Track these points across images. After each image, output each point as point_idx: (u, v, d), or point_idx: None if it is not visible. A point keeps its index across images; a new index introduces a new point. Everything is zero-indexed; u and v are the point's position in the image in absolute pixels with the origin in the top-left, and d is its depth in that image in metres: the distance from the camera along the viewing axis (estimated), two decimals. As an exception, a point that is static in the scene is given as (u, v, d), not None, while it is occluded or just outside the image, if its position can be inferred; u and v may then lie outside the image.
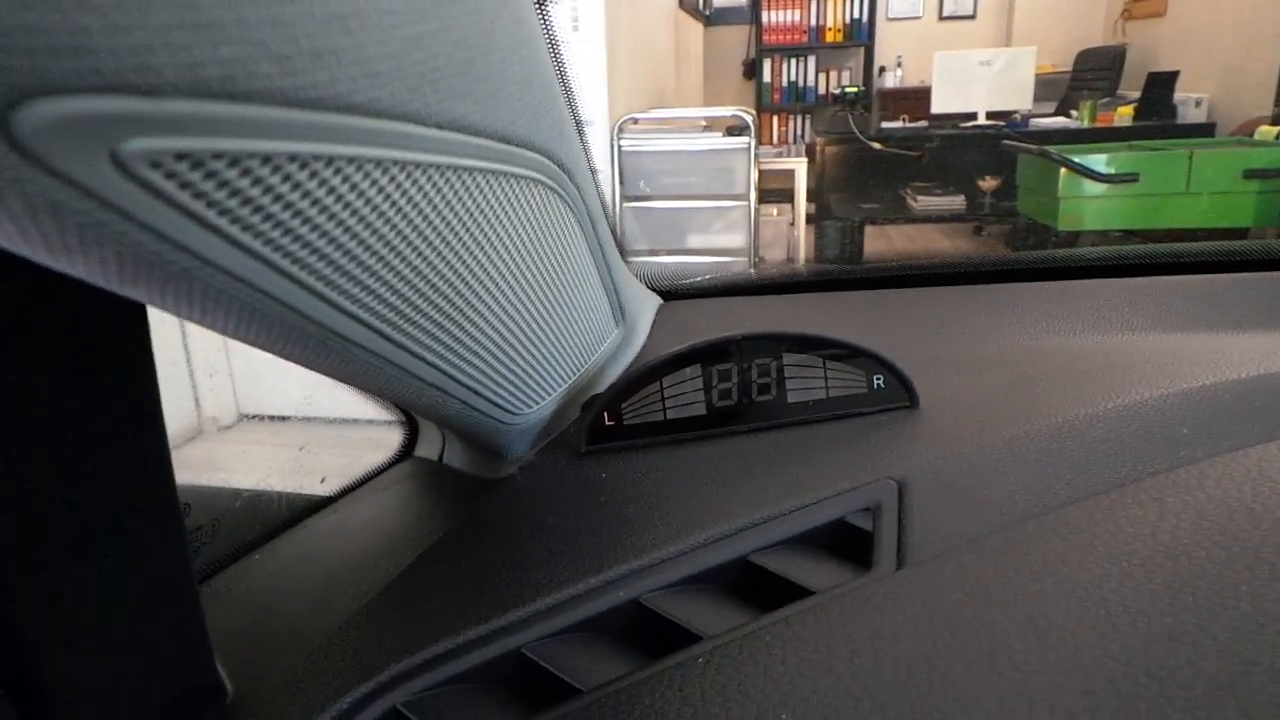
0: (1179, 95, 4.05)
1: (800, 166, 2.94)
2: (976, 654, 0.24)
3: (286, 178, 0.21)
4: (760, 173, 2.60)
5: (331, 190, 0.22)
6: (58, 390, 0.25)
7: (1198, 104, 4.11)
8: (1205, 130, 3.91)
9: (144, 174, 0.17)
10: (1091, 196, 2.58)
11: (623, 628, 0.33)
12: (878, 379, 0.48)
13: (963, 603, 0.27)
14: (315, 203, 0.22)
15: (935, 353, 0.57)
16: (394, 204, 0.25)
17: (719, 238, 2.48)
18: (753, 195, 2.44)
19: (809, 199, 3.61)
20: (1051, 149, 2.69)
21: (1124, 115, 4.05)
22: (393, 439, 0.56)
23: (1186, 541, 0.27)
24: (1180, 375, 0.45)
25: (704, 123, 2.65)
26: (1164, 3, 4.70)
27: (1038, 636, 0.24)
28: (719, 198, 2.45)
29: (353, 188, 0.23)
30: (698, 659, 0.28)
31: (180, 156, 0.18)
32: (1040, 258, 0.81)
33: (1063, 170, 2.60)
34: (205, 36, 0.17)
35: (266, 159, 0.20)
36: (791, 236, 3.07)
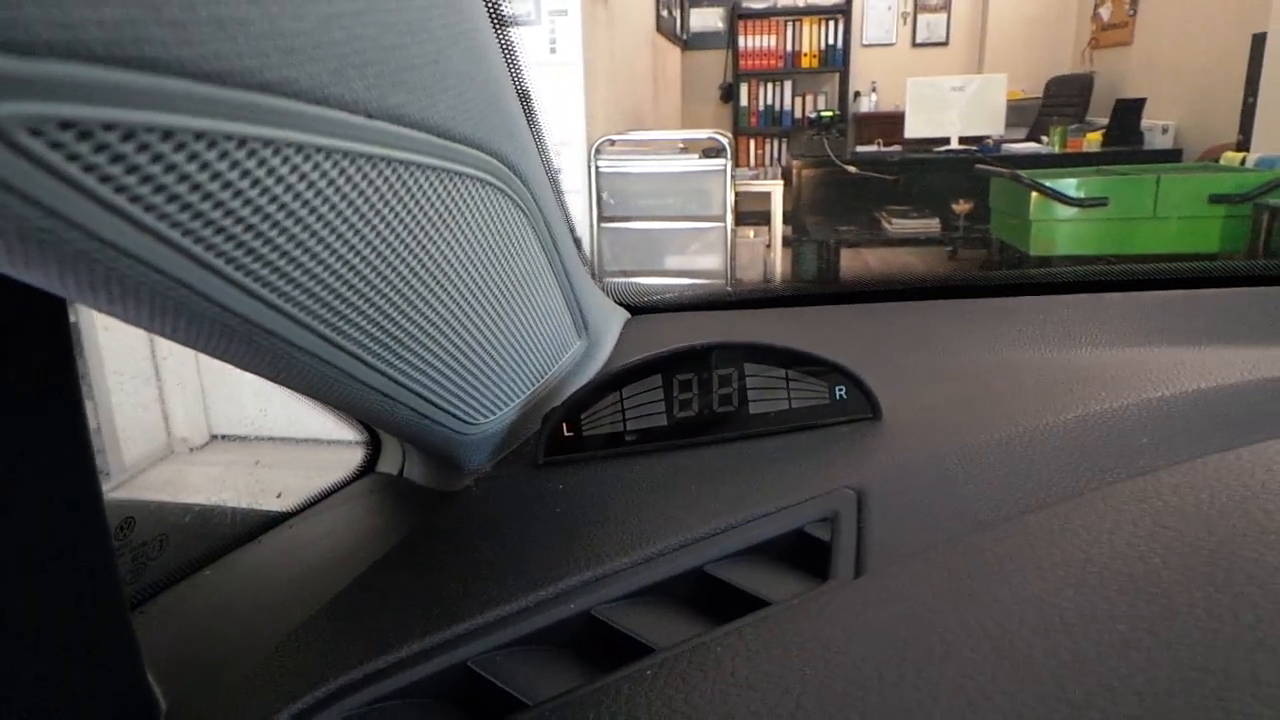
0: (1146, 122, 4.13)
1: (776, 189, 2.96)
2: (929, 663, 0.24)
3: (193, 156, 0.20)
4: (737, 195, 2.62)
5: (246, 173, 0.21)
6: None
7: (1164, 130, 4.19)
8: (1172, 156, 3.99)
9: (24, 141, 0.16)
10: (1062, 220, 2.62)
11: (573, 640, 0.32)
12: (840, 390, 0.48)
13: (917, 612, 0.27)
14: (227, 185, 0.21)
15: (900, 365, 0.57)
16: (319, 193, 0.24)
17: (695, 259, 2.49)
18: (729, 217, 2.45)
19: (786, 222, 3.64)
20: (1023, 173, 2.73)
21: (1093, 141, 4.13)
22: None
23: (1143, 549, 0.27)
24: (1140, 386, 0.45)
25: (681, 145, 2.67)
26: (1130, 32, 4.80)
27: (991, 645, 0.24)
28: (695, 219, 2.46)
29: (270, 172, 0.22)
30: (646, 671, 0.27)
31: (65, 125, 0.17)
32: (1005, 275, 0.83)
33: (1034, 194, 2.63)
34: None
35: (168, 134, 0.19)
36: (768, 258, 3.09)
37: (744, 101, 5.84)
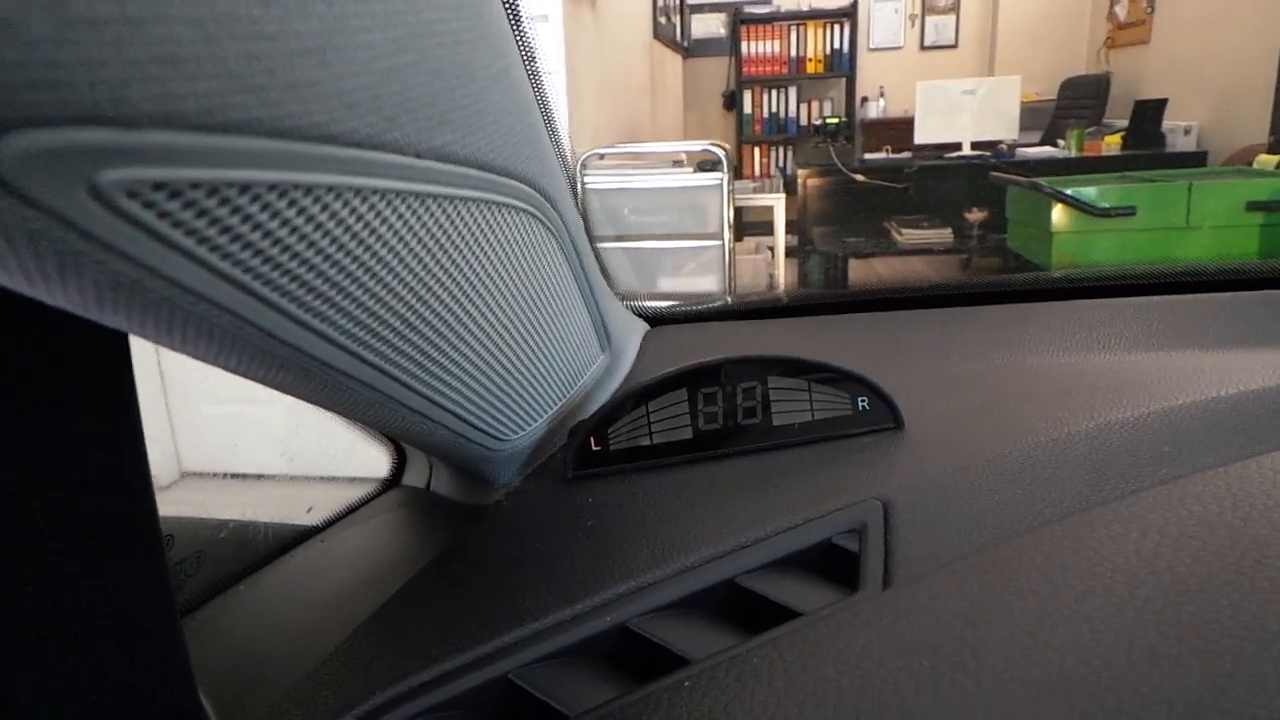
0: (1167, 123, 3.96)
1: (779, 203, 2.79)
2: (961, 673, 0.24)
3: (265, 206, 0.21)
4: (736, 209, 2.45)
5: (311, 219, 0.22)
6: (35, 419, 0.24)
7: (1187, 132, 4.02)
8: (1196, 159, 3.82)
9: (121, 204, 0.18)
10: (1087, 232, 2.43)
11: (610, 653, 0.33)
12: (862, 401, 0.48)
13: (948, 623, 0.27)
14: (295, 230, 0.22)
15: (920, 374, 0.57)
16: (375, 232, 0.25)
17: (691, 280, 2.32)
18: (727, 234, 2.28)
19: (792, 232, 3.47)
20: (1042, 181, 2.55)
21: (1111, 144, 3.97)
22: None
23: (1169, 558, 0.27)
24: (1162, 394, 0.45)
25: (681, 157, 2.50)
26: (1148, 30, 4.63)
27: (1023, 655, 0.24)
28: (691, 237, 2.29)
29: (333, 216, 0.23)
30: (684, 682, 0.28)
31: (158, 186, 0.18)
32: (1023, 280, 0.81)
33: (1055, 204, 2.45)
34: (181, 71, 0.17)
35: (245, 188, 0.20)
36: (772, 276, 2.92)
37: (748, 109, 5.69)
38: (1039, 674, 0.23)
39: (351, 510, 0.53)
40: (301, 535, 0.50)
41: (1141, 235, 2.40)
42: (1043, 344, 0.61)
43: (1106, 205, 2.38)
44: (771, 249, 2.87)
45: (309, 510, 0.52)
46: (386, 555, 0.46)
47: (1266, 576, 0.25)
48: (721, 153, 2.28)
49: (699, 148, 2.36)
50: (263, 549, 0.48)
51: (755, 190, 3.05)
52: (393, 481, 0.55)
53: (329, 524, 0.51)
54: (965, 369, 0.58)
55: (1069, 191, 2.46)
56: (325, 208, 0.23)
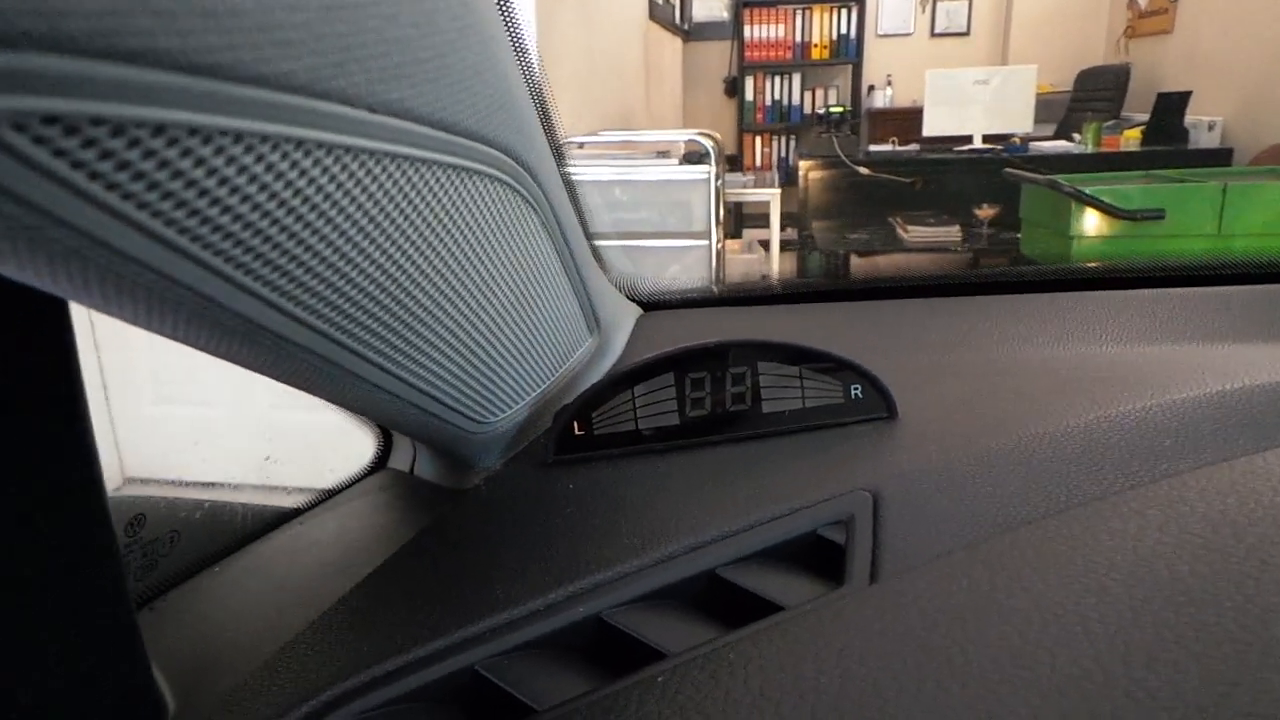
0: (1190, 118, 3.76)
1: (774, 198, 2.58)
2: (948, 673, 0.23)
3: (187, 152, 0.19)
4: (728, 205, 2.25)
5: (243, 170, 0.21)
6: None
7: (1211, 127, 3.82)
8: (1221, 156, 3.62)
9: (7, 138, 0.16)
10: (1110, 237, 2.22)
11: (583, 645, 0.32)
12: (855, 389, 0.47)
13: (936, 619, 0.26)
14: (224, 182, 0.20)
15: (915, 364, 0.56)
16: (321, 190, 0.24)
17: (674, 285, 2.12)
18: (714, 233, 2.07)
19: (793, 227, 3.27)
20: (1061, 179, 2.34)
21: (1131, 139, 3.78)
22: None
23: (1168, 556, 0.27)
24: (1163, 387, 0.44)
25: (668, 148, 2.29)
26: (1171, 19, 4.41)
27: (1011, 655, 0.24)
28: (674, 236, 2.08)
29: (269, 168, 0.21)
30: (657, 678, 0.27)
31: (50, 120, 0.16)
32: (1022, 271, 0.79)
33: (1075, 205, 2.24)
34: None
35: (159, 129, 0.18)
36: (765, 278, 2.71)
37: (750, 96, 5.47)
38: (1029, 675, 0.23)
39: (333, 493, 0.51)
40: (280, 518, 0.49)
41: (1169, 242, 2.18)
42: (1042, 336, 0.60)
43: (1132, 207, 2.18)
44: (764, 244, 2.66)
45: (289, 492, 0.52)
46: (363, 539, 0.45)
47: (1272, 578, 0.24)
48: (710, 144, 2.07)
49: (685, 137, 2.15)
50: (240, 531, 0.47)
51: (750, 184, 2.84)
52: (378, 464, 0.54)
53: (309, 507, 0.50)
54: (962, 359, 0.57)
55: (1089, 191, 2.25)
56: (260, 159, 0.21)
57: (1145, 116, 3.87)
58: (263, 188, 0.22)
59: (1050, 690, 0.22)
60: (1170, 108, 3.73)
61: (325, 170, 0.23)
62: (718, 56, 5.54)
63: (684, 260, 2.09)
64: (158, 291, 0.22)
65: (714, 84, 5.59)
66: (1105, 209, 2.14)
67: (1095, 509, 0.31)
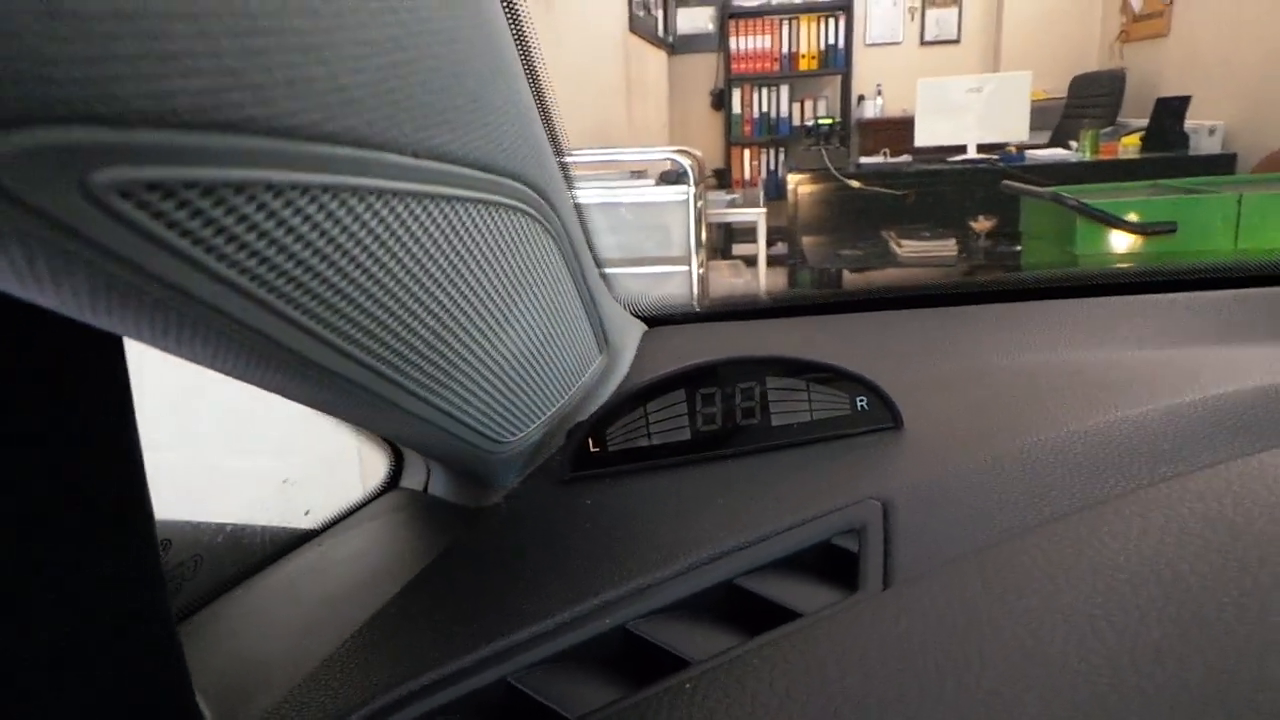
0: (1190, 123, 3.63)
1: (760, 217, 2.44)
2: (965, 672, 0.24)
3: (261, 206, 0.21)
4: (710, 227, 2.10)
5: (308, 219, 0.22)
6: (29, 423, 0.24)
7: (1211, 132, 3.70)
8: (1224, 162, 3.49)
9: (115, 205, 0.17)
10: (1119, 254, 2.08)
11: (610, 655, 0.32)
12: (861, 401, 0.48)
13: (949, 622, 0.27)
14: (291, 231, 0.22)
15: (919, 374, 0.57)
16: (372, 233, 0.25)
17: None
18: (695, 258, 1.93)
19: (782, 241, 3.14)
20: (1064, 192, 2.20)
21: (1129, 145, 3.66)
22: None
23: (1170, 556, 0.27)
24: (1161, 391, 0.45)
25: (642, 167, 2.15)
26: (1166, 22, 4.30)
27: (1025, 654, 0.24)
28: (650, 262, 1.94)
29: (329, 216, 0.23)
30: (684, 684, 0.28)
31: (151, 187, 0.18)
32: (1021, 279, 0.81)
33: (1080, 219, 2.10)
34: (175, 67, 0.17)
35: (240, 188, 0.20)
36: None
37: (736, 109, 5.35)
38: (1043, 673, 0.23)
39: (349, 513, 0.52)
40: (299, 539, 0.49)
41: (1184, 258, 2.04)
42: (1042, 342, 0.61)
43: (1142, 221, 2.03)
44: (748, 261, 2.51)
45: (306, 513, 0.51)
46: (384, 558, 0.45)
47: (1270, 573, 0.25)
48: (688, 162, 1.93)
49: (661, 155, 2.01)
50: (260, 552, 0.47)
51: (734, 204, 2.70)
52: (390, 484, 0.55)
53: (326, 527, 0.51)
54: (964, 368, 0.58)
55: (1094, 204, 2.11)
56: (322, 208, 0.22)
57: (1142, 122, 3.75)
58: (323, 234, 0.23)
59: (1064, 687, 0.22)
60: (1169, 113, 3.61)
61: (376, 215, 0.25)
62: (704, 69, 5.43)
63: (663, 288, 1.94)
64: (225, 333, 0.23)
65: (701, 97, 5.47)
66: (1113, 223, 1.99)
67: (1099, 512, 0.32)
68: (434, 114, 0.26)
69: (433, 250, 0.29)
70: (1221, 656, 0.22)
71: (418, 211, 0.27)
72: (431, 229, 0.28)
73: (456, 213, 0.30)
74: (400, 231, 0.26)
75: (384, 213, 0.25)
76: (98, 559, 0.27)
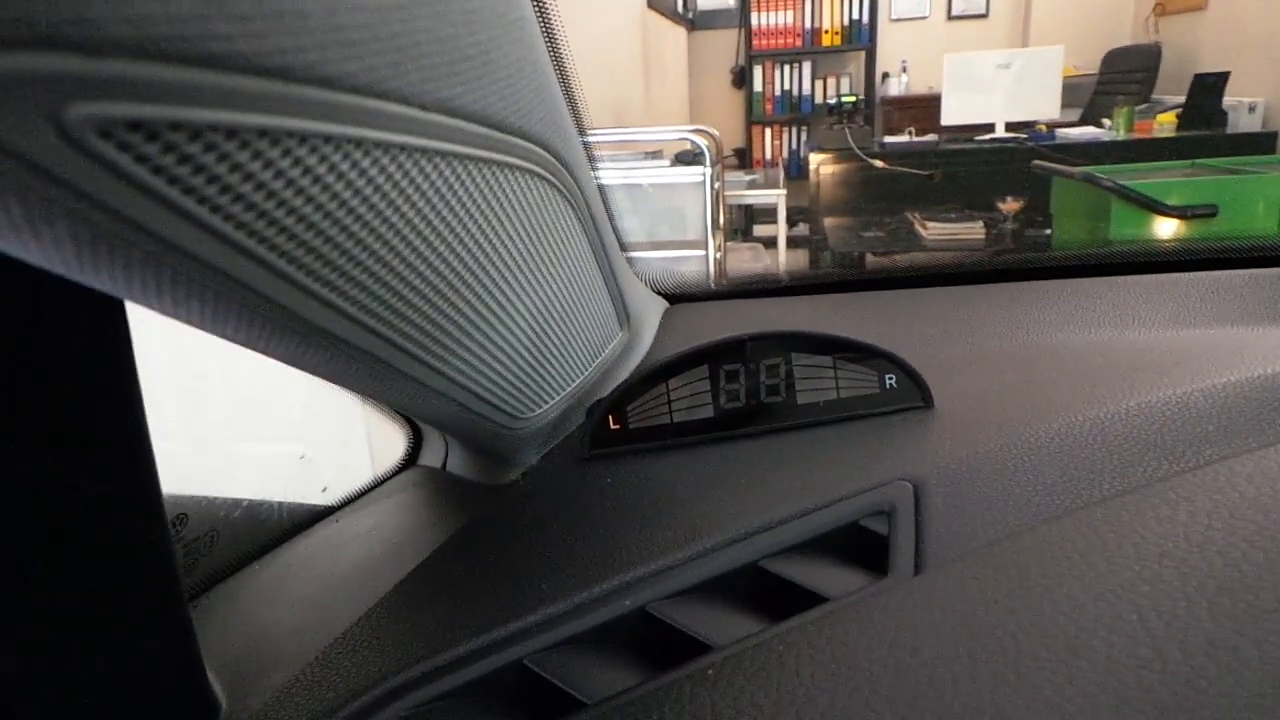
0: (1229, 99, 3.50)
1: (780, 199, 2.36)
2: (1002, 663, 0.23)
3: (257, 155, 0.19)
4: (730, 209, 2.03)
5: (308, 170, 0.21)
6: (26, 398, 0.24)
7: (1251, 109, 3.56)
8: (1265, 140, 3.37)
9: (94, 145, 0.16)
10: (1155, 237, 1.98)
11: (630, 637, 0.32)
12: (890, 379, 0.47)
13: (985, 609, 0.26)
14: (290, 184, 0.21)
15: (949, 352, 0.57)
16: (378, 189, 0.24)
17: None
18: (712, 241, 1.86)
19: (804, 221, 3.06)
20: (1098, 172, 2.10)
21: (1165, 123, 3.53)
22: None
23: (1221, 542, 0.26)
24: (1203, 371, 0.44)
25: (658, 148, 2.08)
26: (1205, -6, 4.13)
27: (1066, 644, 0.23)
28: (665, 246, 1.87)
29: (331, 169, 0.22)
30: (707, 670, 0.27)
31: (133, 126, 0.16)
32: (1052, 257, 0.76)
33: (1115, 201, 2.00)
34: None
35: (232, 132, 0.18)
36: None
37: (758, 86, 5.24)
38: (1086, 664, 0.22)
39: (367, 491, 0.51)
40: (316, 515, 0.48)
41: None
42: (1075, 322, 0.60)
43: (1181, 203, 1.94)
44: (766, 242, 2.44)
45: (324, 490, 0.51)
46: (401, 536, 0.44)
47: None
48: (705, 142, 1.85)
49: (677, 135, 1.93)
50: (277, 528, 0.46)
51: (754, 184, 2.62)
52: (409, 461, 0.54)
53: (344, 504, 0.50)
54: (996, 347, 0.57)
55: (1130, 185, 2.02)
56: (323, 159, 0.21)
57: (1178, 99, 3.62)
58: (325, 188, 0.22)
59: (1109, 679, 0.21)
60: (1207, 89, 3.48)
61: (382, 169, 0.24)
62: (725, 46, 5.31)
63: (678, 272, 1.88)
64: (223, 293, 0.22)
65: (722, 75, 5.36)
66: (1150, 205, 1.90)
67: (1142, 496, 0.31)
68: (442, 64, 0.25)
69: (443, 211, 0.28)
70: (1278, 649, 0.21)
71: (427, 168, 0.26)
72: (443, 189, 0.27)
73: (469, 171, 0.29)
74: (409, 189, 0.25)
75: (391, 168, 0.24)
76: (104, 536, 0.26)
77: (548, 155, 0.36)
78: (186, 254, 0.20)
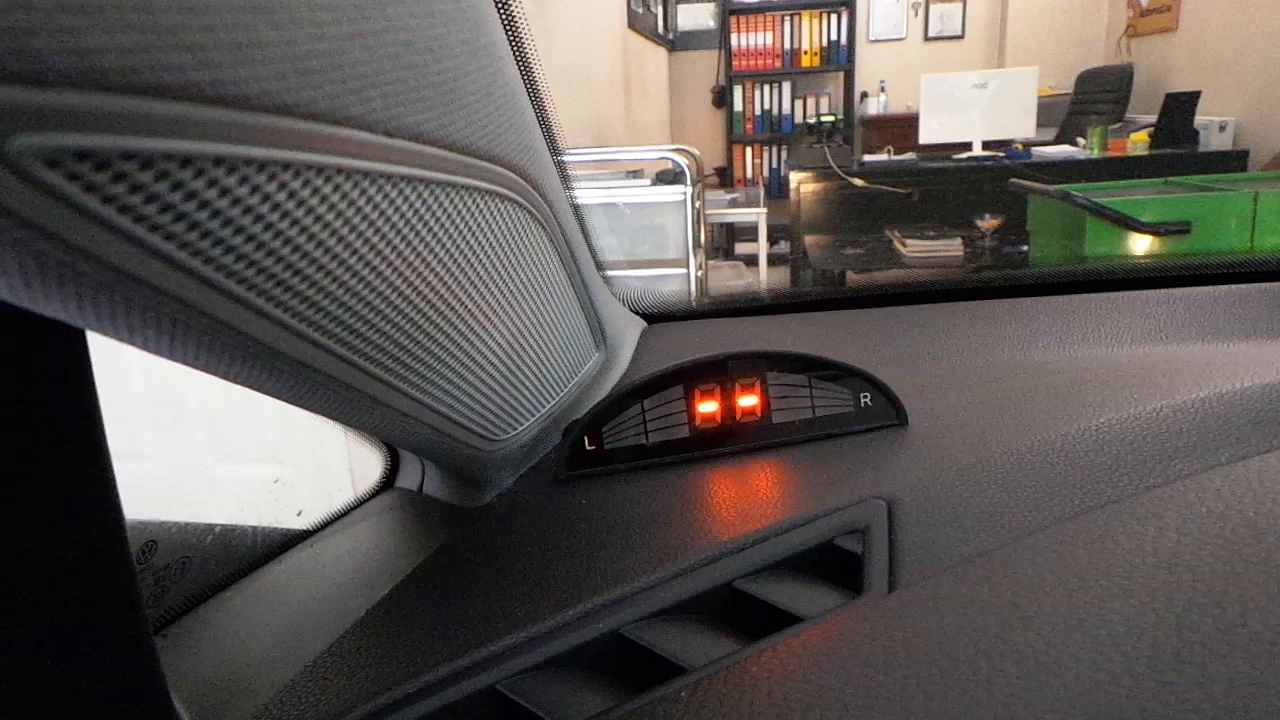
0: (1200, 119, 3.56)
1: (761, 217, 2.37)
2: (974, 681, 0.23)
3: (213, 183, 0.19)
4: (710, 227, 2.03)
5: (267, 198, 0.21)
6: None
7: (1222, 128, 3.62)
8: (1236, 158, 3.42)
9: (40, 175, 0.16)
10: (1129, 254, 2.01)
11: (603, 661, 0.32)
12: (865, 397, 0.47)
13: (958, 627, 0.26)
14: (248, 211, 0.20)
15: (923, 370, 0.56)
16: (341, 216, 0.24)
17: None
18: (693, 260, 1.86)
19: (785, 239, 3.08)
20: (1073, 189, 2.13)
21: (1138, 142, 3.58)
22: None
23: (1188, 557, 0.26)
24: (1173, 387, 0.44)
25: (639, 167, 2.08)
26: (1175, 16, 4.22)
27: (1037, 661, 0.23)
28: (645, 265, 1.87)
29: (291, 195, 0.22)
30: (680, 692, 0.27)
31: (81, 155, 0.16)
32: (1026, 275, 0.77)
33: (1089, 218, 2.03)
34: (98, 21, 0.15)
35: (186, 161, 0.18)
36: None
37: (738, 106, 5.28)
38: (1057, 681, 0.22)
39: (342, 514, 0.51)
40: (291, 540, 0.48)
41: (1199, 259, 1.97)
42: (1049, 339, 0.61)
43: (1154, 220, 1.96)
44: (747, 260, 2.45)
45: (299, 514, 0.50)
46: (376, 560, 0.44)
47: None
48: (685, 161, 1.86)
49: (658, 154, 1.94)
50: (250, 554, 0.46)
51: (734, 203, 2.63)
52: (386, 484, 0.53)
53: (319, 528, 0.49)
54: (970, 364, 0.57)
55: (1106, 203, 2.05)
56: (283, 187, 0.21)
57: (1150, 118, 3.68)
58: (285, 215, 0.21)
59: (1079, 696, 0.21)
60: (1179, 109, 3.54)
61: (344, 196, 0.24)
62: (705, 66, 5.36)
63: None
64: (181, 321, 0.21)
65: (703, 95, 5.40)
66: (1124, 222, 1.93)
67: (1112, 512, 0.31)
68: (407, 91, 0.25)
69: (412, 238, 0.28)
70: (1249, 664, 0.21)
71: (393, 194, 0.26)
72: (410, 215, 0.27)
73: (436, 197, 0.29)
74: (374, 216, 0.25)
75: (354, 195, 0.24)
76: (60, 563, 0.25)
77: (518, 178, 0.36)
78: (142, 282, 0.19)
